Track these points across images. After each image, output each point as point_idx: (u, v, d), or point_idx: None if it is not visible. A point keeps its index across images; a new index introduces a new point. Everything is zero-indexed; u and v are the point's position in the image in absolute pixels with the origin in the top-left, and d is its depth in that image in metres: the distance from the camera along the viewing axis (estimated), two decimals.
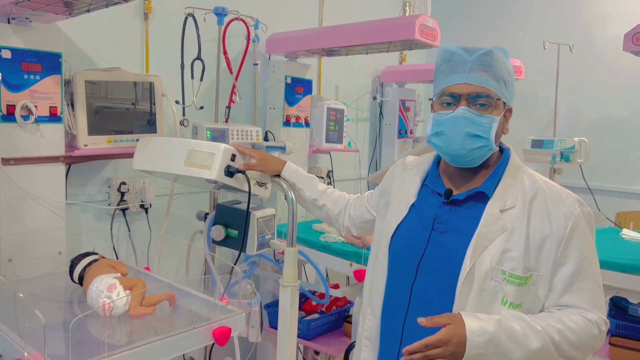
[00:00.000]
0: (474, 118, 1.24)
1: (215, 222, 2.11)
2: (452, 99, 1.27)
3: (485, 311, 1.22)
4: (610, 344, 2.22)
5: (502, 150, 1.36)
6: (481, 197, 1.29)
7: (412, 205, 1.38)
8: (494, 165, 1.33)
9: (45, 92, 1.82)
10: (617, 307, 2.36)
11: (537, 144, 3.20)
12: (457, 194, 1.31)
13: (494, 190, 1.28)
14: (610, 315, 2.34)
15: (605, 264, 2.10)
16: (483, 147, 1.26)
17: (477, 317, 1.17)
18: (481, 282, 1.22)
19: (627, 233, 2.55)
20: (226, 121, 2.50)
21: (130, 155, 1.89)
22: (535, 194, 1.27)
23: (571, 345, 1.19)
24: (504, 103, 1.28)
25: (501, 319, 1.17)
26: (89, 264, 1.68)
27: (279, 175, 1.73)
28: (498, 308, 1.22)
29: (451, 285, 1.24)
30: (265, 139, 2.70)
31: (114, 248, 2.25)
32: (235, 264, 1.70)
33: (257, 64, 2.61)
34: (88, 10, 1.70)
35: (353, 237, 2.03)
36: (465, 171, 1.33)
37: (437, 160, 1.42)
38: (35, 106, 1.80)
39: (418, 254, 1.31)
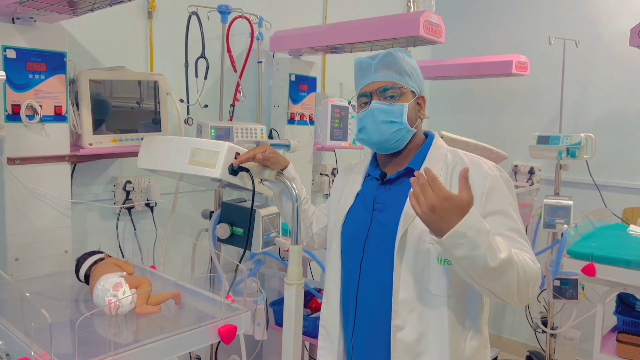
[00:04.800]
0: (385, 108, 1.43)
1: (220, 221, 2.11)
2: (366, 98, 1.47)
3: (425, 271, 1.35)
4: (617, 340, 2.21)
5: (427, 136, 1.53)
6: (410, 174, 1.39)
7: (357, 194, 1.53)
8: (419, 147, 1.49)
9: (50, 91, 1.83)
10: (624, 303, 2.34)
11: (543, 140, 3.17)
12: (390, 176, 1.47)
13: (420, 166, 1.42)
14: (618, 312, 2.32)
15: (612, 260, 2.09)
16: (400, 130, 1.43)
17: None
18: (415, 245, 1.36)
19: (634, 229, 2.54)
20: (230, 119, 2.50)
21: (135, 154, 1.90)
22: (456, 164, 1.41)
23: (523, 270, 1.24)
24: (413, 92, 1.45)
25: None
26: (95, 262, 1.69)
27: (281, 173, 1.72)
28: (435, 266, 1.34)
29: (391, 254, 1.38)
30: (270, 136, 2.70)
31: (119, 247, 2.26)
32: (240, 262, 1.69)
33: (261, 62, 2.61)
34: (92, 10, 1.70)
35: None
36: (394, 156, 1.49)
37: (375, 153, 1.57)
38: (40, 106, 1.80)
39: (364, 234, 1.46)
